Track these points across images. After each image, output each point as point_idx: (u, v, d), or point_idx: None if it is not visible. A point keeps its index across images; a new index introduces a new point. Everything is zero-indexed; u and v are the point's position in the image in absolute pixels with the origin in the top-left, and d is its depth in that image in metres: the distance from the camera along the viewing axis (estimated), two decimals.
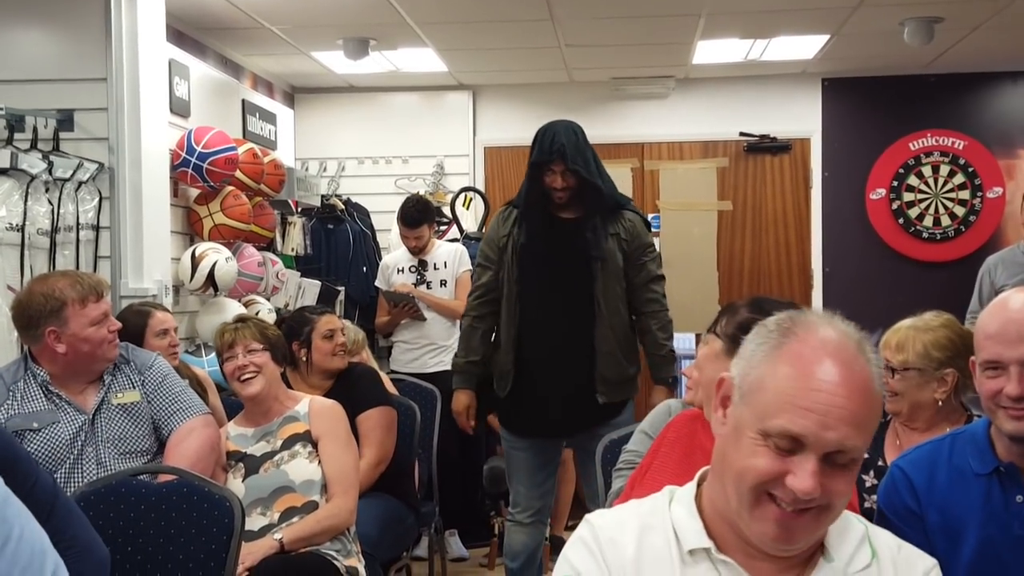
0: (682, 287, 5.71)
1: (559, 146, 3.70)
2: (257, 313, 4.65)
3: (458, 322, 5.45)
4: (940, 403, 2.67)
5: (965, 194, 6.49)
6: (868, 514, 2.58)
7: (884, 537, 1.50)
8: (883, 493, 2.00)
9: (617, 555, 1.43)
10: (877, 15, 5.03)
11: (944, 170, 6.49)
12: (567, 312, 3.80)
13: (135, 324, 3.52)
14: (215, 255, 4.49)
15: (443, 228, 6.28)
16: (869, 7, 4.88)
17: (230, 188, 4.79)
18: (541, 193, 3.78)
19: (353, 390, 3.81)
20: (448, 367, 5.40)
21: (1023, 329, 1.84)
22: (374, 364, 4.65)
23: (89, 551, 2.14)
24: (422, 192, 6.39)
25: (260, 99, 5.97)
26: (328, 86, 6.64)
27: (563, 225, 3.79)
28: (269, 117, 5.99)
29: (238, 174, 4.80)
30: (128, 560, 2.57)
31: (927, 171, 6.50)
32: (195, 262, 4.47)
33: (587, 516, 1.51)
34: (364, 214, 6.43)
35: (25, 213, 3.69)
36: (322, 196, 6.29)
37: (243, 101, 5.62)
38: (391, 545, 3.84)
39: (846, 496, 1.38)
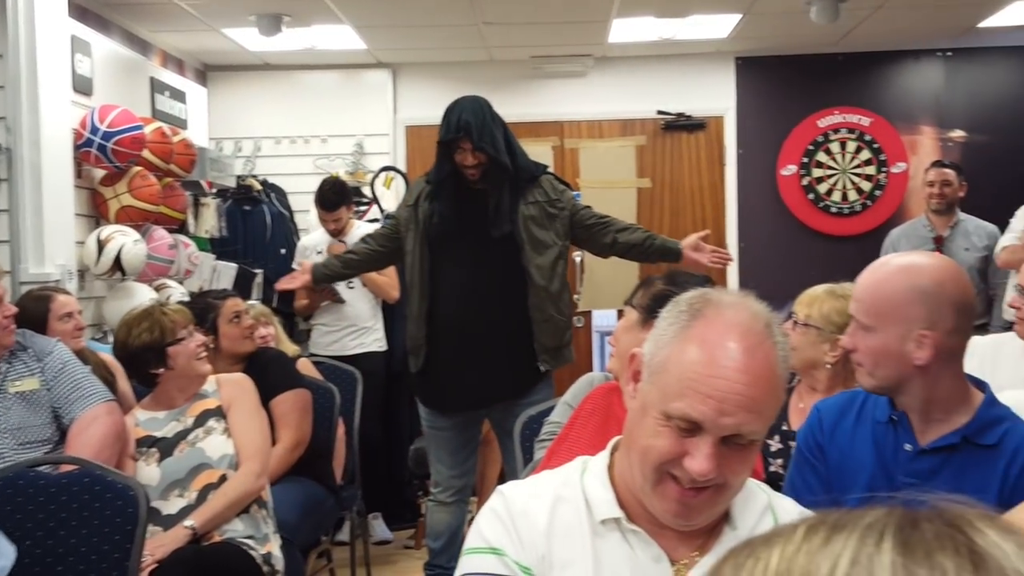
0: (603, 264, 5.72)
1: (464, 124, 3.69)
2: (169, 298, 4.56)
3: (379, 302, 5.46)
4: (829, 366, 2.76)
5: (871, 169, 6.62)
6: (774, 477, 2.66)
7: (787, 505, 1.53)
8: (801, 431, 2.11)
9: (529, 526, 1.44)
10: None
11: (851, 146, 6.62)
12: (491, 285, 3.80)
13: (36, 310, 3.42)
14: (122, 238, 4.39)
15: (363, 208, 6.23)
16: None
17: (137, 169, 4.68)
18: (453, 171, 3.77)
19: (264, 375, 3.74)
20: (370, 349, 5.43)
21: (865, 291, 1.93)
22: (284, 338, 4.60)
23: None
24: (342, 172, 6.33)
25: (170, 77, 5.85)
26: (242, 64, 6.52)
27: (476, 201, 3.79)
28: (179, 95, 5.86)
29: (145, 154, 4.70)
30: (27, 555, 2.50)
31: (835, 147, 6.62)
32: (101, 245, 4.37)
33: (499, 488, 1.52)
34: (282, 195, 6.35)
35: None
36: (237, 177, 6.19)
37: (151, 79, 5.50)
38: (310, 530, 3.81)
39: (743, 474, 1.41)
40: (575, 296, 6.51)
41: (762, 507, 1.49)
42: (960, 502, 0.61)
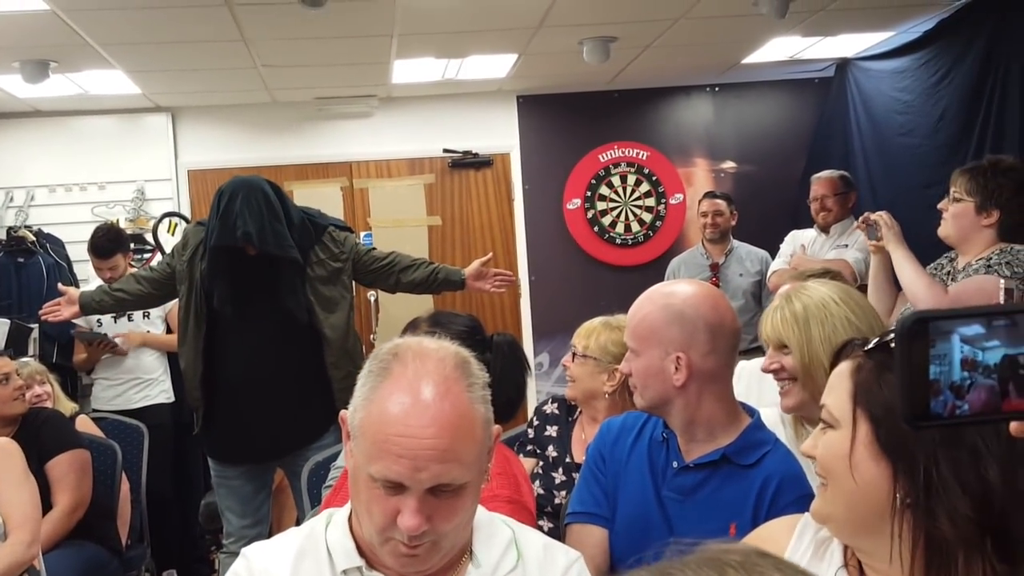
0: (397, 302, 5.76)
1: (245, 235, 3.61)
2: None
3: (165, 355, 5.31)
4: (608, 395, 2.88)
5: (651, 201, 6.90)
6: (558, 509, 2.74)
7: (531, 538, 1.58)
8: (590, 445, 2.20)
9: None
10: (557, 35, 5.28)
11: (631, 179, 6.88)
12: (279, 347, 3.75)
13: None
14: None
15: (147, 256, 6.07)
16: (549, 28, 5.12)
17: None
18: (232, 255, 3.68)
19: (38, 437, 3.63)
20: (156, 401, 5.28)
21: (631, 317, 2.06)
22: (61, 396, 4.41)
23: None
24: (122, 219, 6.15)
25: None
26: (10, 111, 6.25)
27: (256, 268, 3.71)
28: None
29: None
30: None
31: (616, 181, 6.87)
32: None
33: (243, 549, 1.54)
34: (59, 245, 6.12)
35: None
36: (9, 228, 5.95)
37: None
38: None
39: (458, 519, 1.43)
40: (372, 336, 6.52)
41: (505, 542, 1.54)
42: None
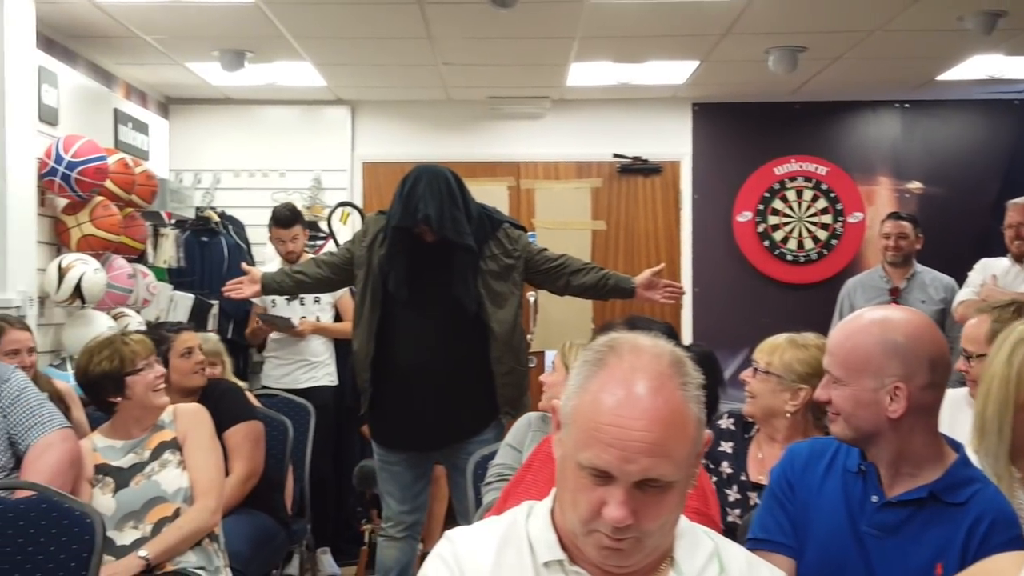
0: (556, 305, 5.79)
1: (424, 217, 3.68)
2: (127, 326, 4.56)
3: (332, 340, 5.48)
4: (789, 415, 2.80)
5: (827, 218, 6.71)
6: (732, 527, 2.68)
7: (734, 552, 1.55)
8: (775, 470, 2.11)
9: (474, 569, 1.47)
10: (743, 43, 5.22)
11: (807, 195, 6.70)
12: (449, 336, 3.80)
13: None
14: (82, 266, 4.39)
15: (320, 243, 6.26)
16: (735, 35, 5.06)
17: (100, 198, 4.68)
18: (410, 244, 3.77)
19: (217, 407, 3.74)
20: (320, 383, 5.44)
21: (838, 345, 1.96)
22: (230, 376, 4.56)
23: None
24: (299, 205, 6.35)
25: (133, 108, 5.87)
26: (204, 97, 6.55)
27: (433, 256, 3.77)
28: (142, 127, 5.88)
29: (108, 184, 4.71)
30: None
31: (791, 195, 6.71)
32: (61, 273, 4.36)
33: (447, 533, 1.56)
34: (239, 227, 6.38)
35: None
36: (196, 208, 6.21)
37: (115, 110, 5.52)
38: (262, 562, 3.80)
39: (663, 518, 1.42)
40: (528, 336, 6.57)
41: (708, 553, 1.51)
42: None
